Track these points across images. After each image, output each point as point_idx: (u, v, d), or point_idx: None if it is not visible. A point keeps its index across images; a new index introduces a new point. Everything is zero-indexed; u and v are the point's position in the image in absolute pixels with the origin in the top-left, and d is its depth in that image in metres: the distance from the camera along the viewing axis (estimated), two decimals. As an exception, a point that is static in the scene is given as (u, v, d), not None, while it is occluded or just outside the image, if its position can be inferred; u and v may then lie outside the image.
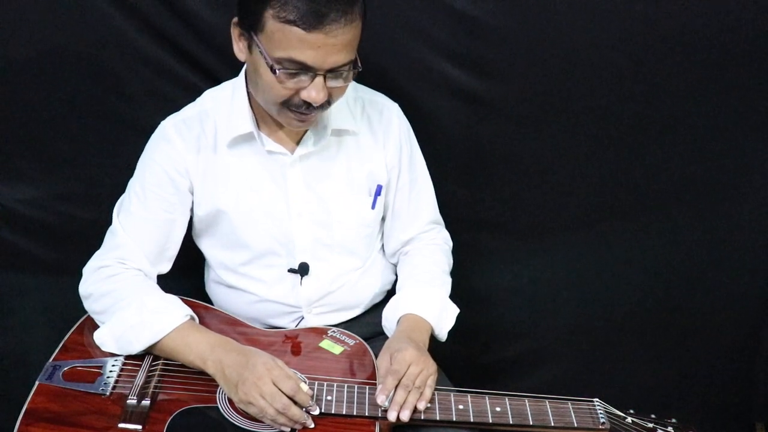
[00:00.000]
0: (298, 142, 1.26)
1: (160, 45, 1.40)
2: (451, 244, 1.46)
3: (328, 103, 1.14)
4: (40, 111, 1.42)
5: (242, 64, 1.21)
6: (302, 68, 1.08)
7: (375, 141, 1.32)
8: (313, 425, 1.08)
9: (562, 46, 1.45)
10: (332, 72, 1.09)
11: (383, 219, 1.40)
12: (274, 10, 1.04)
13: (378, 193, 1.33)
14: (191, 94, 1.32)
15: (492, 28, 1.43)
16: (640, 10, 1.42)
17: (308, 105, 1.12)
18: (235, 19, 1.13)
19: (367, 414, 1.10)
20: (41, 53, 1.37)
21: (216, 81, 1.34)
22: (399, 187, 1.36)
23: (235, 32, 1.14)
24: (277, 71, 1.08)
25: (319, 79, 1.09)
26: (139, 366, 1.17)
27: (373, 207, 1.33)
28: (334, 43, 1.06)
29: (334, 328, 1.29)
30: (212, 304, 1.39)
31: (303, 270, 1.30)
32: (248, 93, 1.24)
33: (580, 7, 1.41)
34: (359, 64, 1.13)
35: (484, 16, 1.42)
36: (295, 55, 1.06)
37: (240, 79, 1.25)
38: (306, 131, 1.26)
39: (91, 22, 1.36)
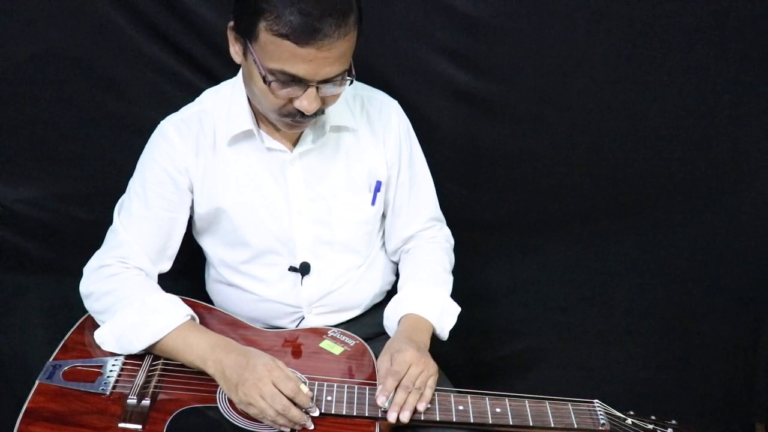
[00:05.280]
0: (297, 140, 1.26)
1: (160, 45, 1.40)
2: (452, 241, 1.46)
3: (321, 111, 1.15)
4: (40, 111, 1.42)
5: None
6: (294, 80, 1.08)
7: (374, 138, 1.32)
8: (312, 426, 1.08)
9: (562, 46, 1.45)
10: (325, 82, 1.10)
11: (384, 216, 1.40)
12: (268, 22, 1.04)
13: (377, 189, 1.33)
14: (191, 94, 1.32)
15: (492, 28, 1.43)
16: (640, 10, 1.42)
17: (302, 113, 1.12)
18: (231, 23, 1.13)
19: (367, 414, 1.10)
20: (41, 53, 1.37)
21: (216, 81, 1.34)
22: (399, 184, 1.36)
23: (231, 36, 1.14)
24: (269, 82, 1.08)
25: (312, 90, 1.09)
26: (140, 366, 1.17)
27: (372, 204, 1.33)
28: (326, 57, 1.05)
29: (335, 329, 1.29)
30: (213, 304, 1.39)
31: (304, 269, 1.30)
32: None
33: (580, 7, 1.41)
34: (353, 72, 1.13)
35: (484, 16, 1.42)
36: (287, 68, 1.06)
37: (239, 79, 1.25)
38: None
39: (91, 23, 1.36)
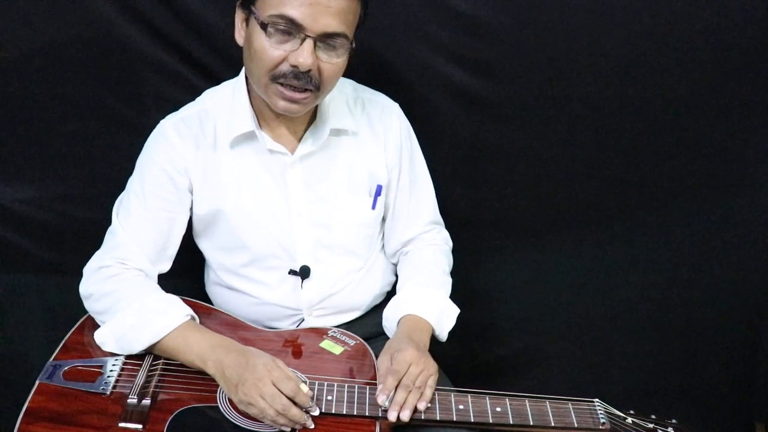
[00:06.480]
0: (298, 142, 1.26)
1: (160, 45, 1.40)
2: (451, 244, 1.46)
3: (317, 88, 1.14)
4: (40, 111, 1.42)
5: (242, 64, 1.21)
6: (293, 26, 1.09)
7: (375, 141, 1.32)
8: (313, 426, 1.08)
9: (562, 46, 1.45)
10: (323, 42, 1.10)
11: (384, 219, 1.40)
12: None
13: (378, 193, 1.33)
14: (191, 94, 1.32)
15: (492, 28, 1.43)
16: (640, 9, 1.42)
17: (297, 76, 1.12)
18: (239, 1, 1.15)
19: (367, 414, 1.10)
20: (41, 53, 1.37)
21: (216, 81, 1.34)
22: (399, 188, 1.36)
23: (238, 15, 1.16)
24: (267, 28, 1.09)
25: (309, 43, 1.09)
26: (140, 365, 1.17)
27: (373, 207, 1.33)
28: (327, 5, 1.08)
29: (335, 329, 1.29)
30: (212, 305, 1.39)
31: (304, 273, 1.30)
32: (249, 92, 1.24)
33: (580, 7, 1.41)
34: (353, 44, 1.14)
35: (484, 16, 1.42)
36: (287, 11, 1.08)
37: (240, 79, 1.25)
38: (306, 131, 1.26)
39: (91, 22, 1.36)
